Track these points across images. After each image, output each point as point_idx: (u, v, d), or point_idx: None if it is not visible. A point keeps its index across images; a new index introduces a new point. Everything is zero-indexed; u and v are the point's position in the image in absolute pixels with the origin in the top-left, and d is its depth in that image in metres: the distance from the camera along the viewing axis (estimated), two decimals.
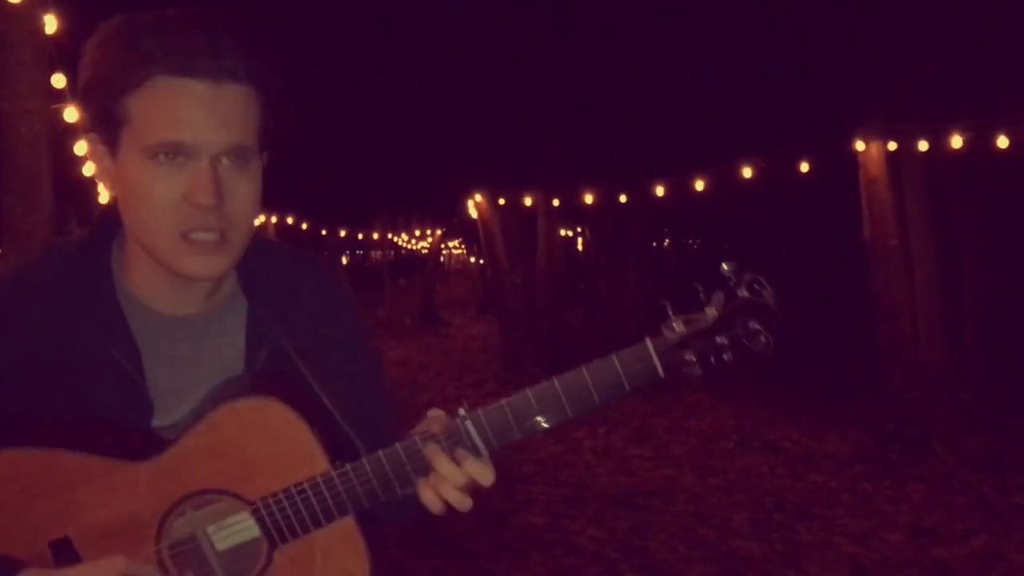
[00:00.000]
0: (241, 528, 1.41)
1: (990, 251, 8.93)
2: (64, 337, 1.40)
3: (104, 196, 7.81)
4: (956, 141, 7.69)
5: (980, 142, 7.59)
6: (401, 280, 32.82)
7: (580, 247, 24.88)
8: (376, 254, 39.39)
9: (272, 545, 1.41)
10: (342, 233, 22.91)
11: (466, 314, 22.64)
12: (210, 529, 1.40)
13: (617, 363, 1.36)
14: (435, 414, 1.44)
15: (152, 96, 1.32)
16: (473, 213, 15.53)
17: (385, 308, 22.07)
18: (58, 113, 5.48)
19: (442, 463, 1.39)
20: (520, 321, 13.51)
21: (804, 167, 9.06)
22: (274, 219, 17.77)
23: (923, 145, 8.04)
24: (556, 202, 13.65)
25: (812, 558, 5.48)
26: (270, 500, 1.39)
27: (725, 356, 1.37)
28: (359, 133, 15.79)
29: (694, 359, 1.36)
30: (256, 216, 1.45)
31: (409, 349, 16.39)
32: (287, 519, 1.40)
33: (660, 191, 10.93)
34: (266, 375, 1.47)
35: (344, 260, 31.00)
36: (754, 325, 1.35)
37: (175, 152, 1.33)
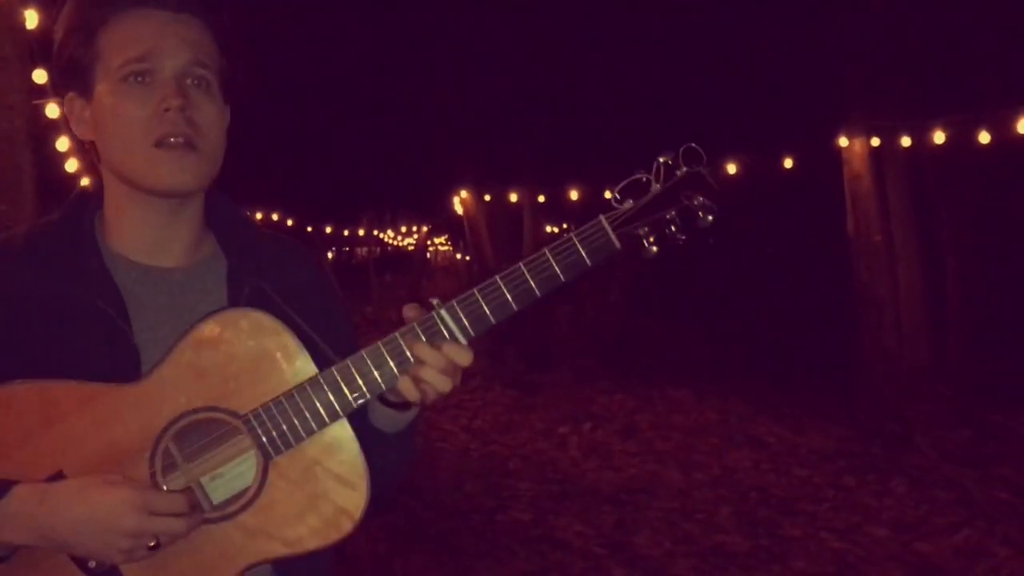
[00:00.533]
0: (233, 477, 1.42)
1: (972, 246, 8.98)
2: (51, 294, 1.46)
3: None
4: (938, 137, 7.73)
5: (962, 138, 7.63)
6: (387, 276, 32.76)
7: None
8: (362, 251, 39.31)
9: (267, 458, 1.41)
10: (328, 230, 22.87)
11: None
12: (204, 480, 1.41)
13: (576, 241, 1.43)
14: (412, 306, 1.48)
15: (117, 28, 1.45)
16: (459, 209, 15.53)
17: (371, 304, 22.04)
18: (39, 109, 5.45)
19: (421, 349, 1.42)
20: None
21: (788, 163, 9.09)
22: (259, 216, 17.74)
23: (906, 141, 8.08)
24: (542, 198, 13.65)
25: (796, 553, 5.50)
26: (260, 411, 1.41)
27: (675, 229, 1.45)
28: (345, 130, 15.76)
29: (647, 231, 1.45)
30: (223, 143, 1.53)
31: None
32: (279, 428, 1.40)
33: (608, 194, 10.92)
34: (247, 304, 1.51)
35: (330, 256, 30.94)
36: (697, 198, 1.45)
37: (142, 71, 1.44)
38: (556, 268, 1.43)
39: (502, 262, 14.96)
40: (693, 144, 1.44)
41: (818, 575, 5.18)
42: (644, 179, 1.45)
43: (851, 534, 5.77)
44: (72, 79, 1.50)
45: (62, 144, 5.96)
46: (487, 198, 14.59)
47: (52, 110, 5.43)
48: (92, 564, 1.38)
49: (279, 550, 1.42)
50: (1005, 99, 7.20)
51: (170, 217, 1.53)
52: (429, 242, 37.01)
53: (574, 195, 12.32)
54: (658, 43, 12.24)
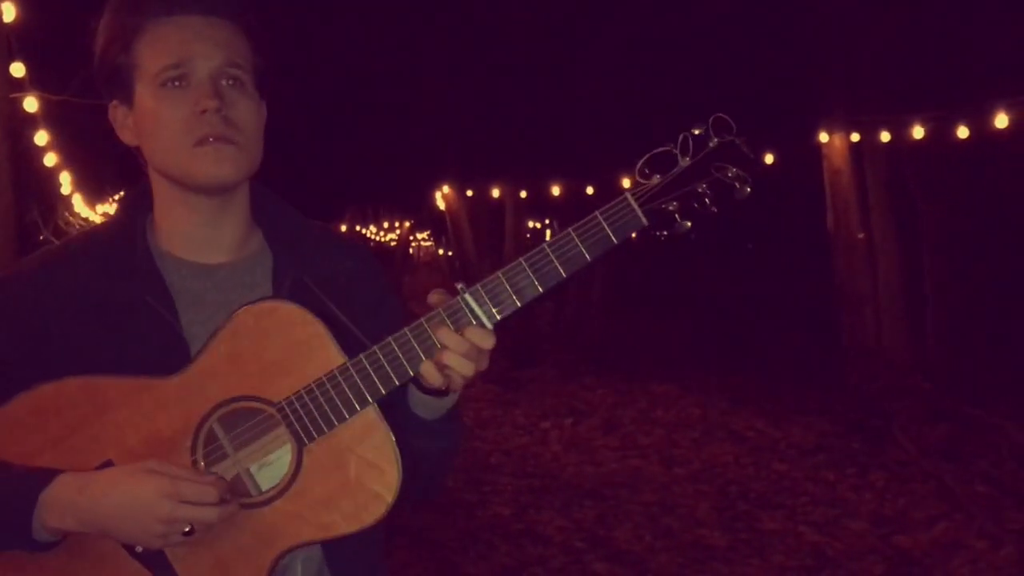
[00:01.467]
0: (282, 465, 1.46)
1: (951, 241, 9.04)
2: (105, 292, 1.52)
3: (66, 187, 7.74)
4: (917, 132, 7.77)
5: (941, 133, 7.68)
6: None
7: (548, 238, 24.94)
8: None
9: (300, 444, 1.45)
10: None
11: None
12: (253, 469, 1.46)
13: (602, 219, 1.41)
14: (437, 291, 1.49)
15: (152, 37, 1.50)
16: (441, 205, 15.52)
17: None
18: (17, 103, 5.41)
19: (445, 334, 1.43)
20: None
21: (769, 159, 9.13)
22: None
23: (885, 136, 8.13)
24: (524, 194, 13.66)
25: (776, 546, 5.53)
26: (293, 399, 1.44)
27: (707, 202, 1.41)
28: (327, 125, 15.72)
29: (676, 207, 1.41)
30: (261, 138, 1.58)
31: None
32: (310, 415, 1.44)
33: (627, 183, 10.96)
34: (288, 297, 1.54)
35: None
36: (730, 170, 1.39)
37: (179, 75, 1.49)
38: (581, 247, 1.41)
39: (484, 258, 14.96)
40: (722, 114, 1.40)
41: (797, 568, 5.21)
42: (673, 151, 1.40)
43: (830, 527, 5.81)
44: (114, 88, 1.55)
45: (40, 138, 5.92)
46: (469, 194, 14.59)
47: (30, 104, 5.40)
48: (139, 548, 1.44)
49: (315, 534, 1.46)
50: (983, 94, 7.25)
51: (216, 213, 1.58)
52: (412, 238, 36.95)
53: (556, 191, 12.33)
54: (640, 40, 12.26)
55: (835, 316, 9.01)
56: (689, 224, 1.42)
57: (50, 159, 6.39)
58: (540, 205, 15.75)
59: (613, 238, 1.41)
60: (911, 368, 8.62)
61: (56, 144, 6.18)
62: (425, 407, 1.55)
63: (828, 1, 8.76)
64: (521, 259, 1.42)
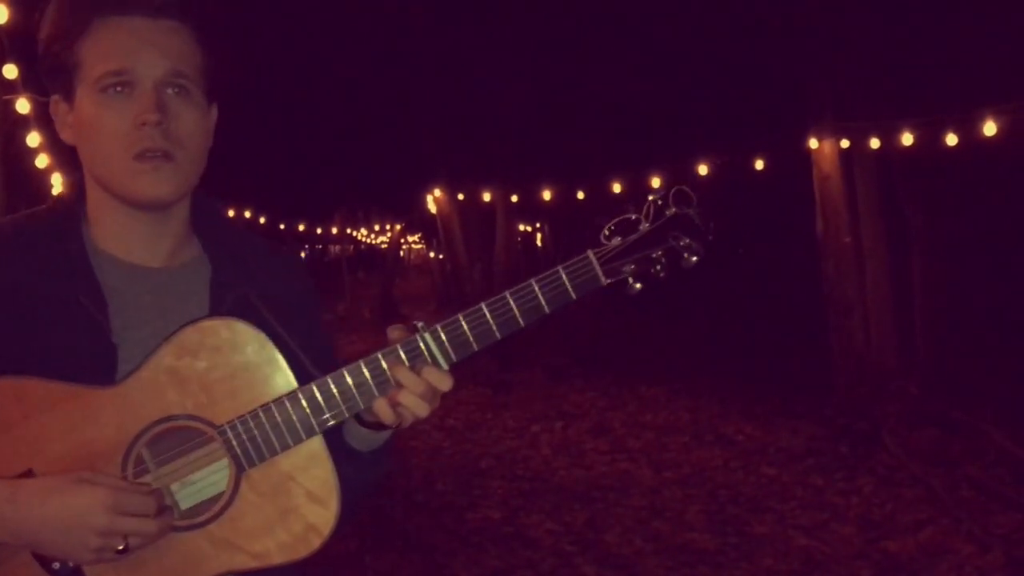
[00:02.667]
0: (204, 485, 1.41)
1: (940, 247, 9.07)
2: (34, 285, 1.46)
3: (57, 188, 7.73)
4: (907, 138, 7.81)
5: (930, 139, 7.72)
6: (360, 274, 32.69)
7: (539, 242, 24.95)
8: (335, 248, 39.20)
9: (239, 469, 1.41)
10: (301, 227, 22.78)
11: (426, 309, 22.59)
12: (174, 487, 1.41)
13: (563, 274, 1.45)
14: (395, 327, 1.48)
15: (97, 37, 1.44)
16: (432, 208, 15.53)
17: (344, 302, 22.00)
18: (9, 104, 5.41)
19: (402, 372, 1.42)
20: None
21: (759, 165, 9.16)
22: (232, 213, 17.64)
23: (875, 142, 8.16)
24: (515, 197, 13.67)
25: (764, 551, 5.56)
26: (237, 423, 1.40)
27: (659, 268, 1.48)
28: (319, 127, 15.72)
29: (632, 269, 1.47)
30: (204, 149, 1.53)
31: (367, 343, 16.32)
32: (254, 441, 1.40)
33: (617, 188, 10.99)
34: (230, 312, 1.50)
35: (303, 254, 30.81)
36: (683, 239, 1.47)
37: (121, 82, 1.43)
38: (541, 299, 1.44)
39: (475, 261, 14.98)
40: (684, 187, 1.47)
41: (786, 572, 5.24)
42: (634, 217, 1.47)
43: (818, 532, 5.83)
44: (56, 83, 1.50)
45: (32, 140, 5.92)
46: (461, 197, 14.60)
47: (22, 105, 5.40)
48: (56, 565, 1.37)
49: (246, 562, 1.42)
50: (972, 102, 7.29)
51: (152, 225, 1.53)
52: (403, 240, 36.93)
53: (547, 195, 12.35)
54: (631, 46, 12.30)
55: (824, 321, 9.04)
56: (639, 287, 1.48)
57: (42, 160, 6.38)
58: (531, 209, 15.77)
59: (572, 294, 1.45)
60: (899, 373, 8.65)
61: (48, 146, 6.17)
62: (361, 439, 1.54)
63: (818, 7, 8.79)
64: (483, 304, 1.44)
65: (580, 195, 12.06)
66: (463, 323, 1.44)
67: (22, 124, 5.70)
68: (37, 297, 1.45)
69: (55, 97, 1.52)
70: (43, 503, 1.32)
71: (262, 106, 14.06)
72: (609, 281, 1.46)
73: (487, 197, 14.02)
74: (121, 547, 1.33)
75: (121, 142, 1.44)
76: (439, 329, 1.44)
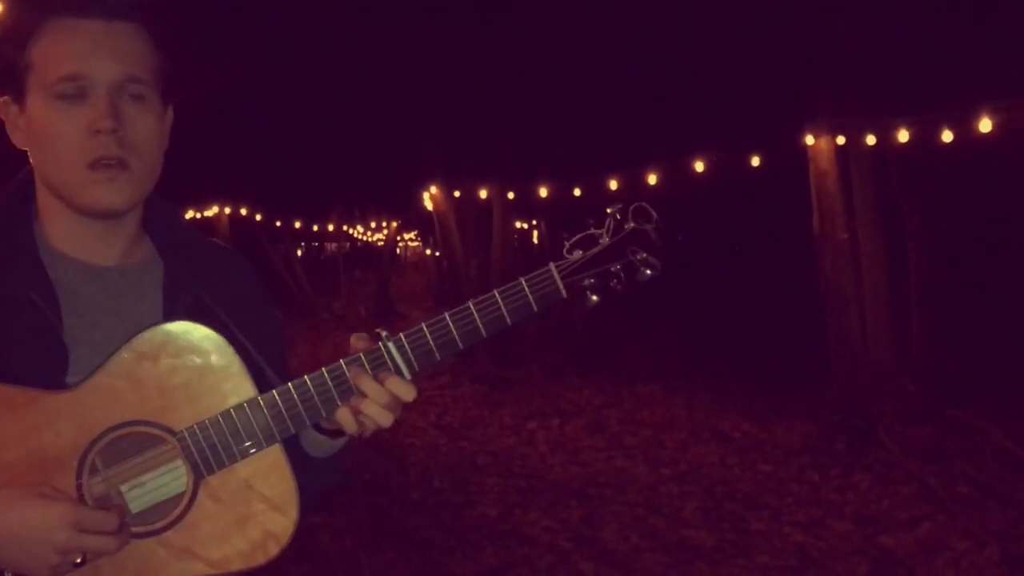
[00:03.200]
0: (155, 487, 1.39)
1: (936, 244, 9.09)
2: None
3: None
4: (903, 136, 7.81)
5: (926, 137, 7.72)
6: (356, 272, 32.66)
7: (536, 239, 24.94)
8: (331, 246, 39.17)
9: (198, 476, 1.39)
10: (297, 224, 22.76)
11: (422, 306, 22.59)
12: (124, 488, 1.38)
13: (525, 286, 1.46)
14: (358, 337, 1.47)
15: (49, 40, 1.42)
16: (429, 205, 15.50)
17: (340, 300, 21.98)
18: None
19: (365, 382, 1.42)
20: None
21: (755, 161, 9.17)
22: (228, 210, 17.63)
23: (871, 139, 8.16)
24: (511, 195, 13.66)
25: (761, 547, 5.56)
26: (196, 428, 1.39)
27: (617, 283, 1.50)
28: (314, 124, 15.69)
29: (592, 283, 1.49)
30: (160, 154, 1.51)
31: None
32: (213, 448, 1.39)
33: (613, 185, 11.00)
34: (187, 313, 1.48)
35: (299, 252, 30.80)
36: (640, 253, 1.49)
37: (74, 88, 1.40)
38: (504, 310, 1.46)
39: (471, 259, 14.96)
40: (644, 203, 1.50)
41: (782, 569, 5.24)
42: (595, 233, 1.50)
43: (815, 528, 5.84)
44: (6, 84, 1.46)
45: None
46: (457, 194, 14.58)
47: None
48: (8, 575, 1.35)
49: (203, 570, 1.40)
50: (968, 99, 7.29)
51: (104, 231, 1.51)
52: (399, 238, 36.91)
53: (543, 192, 12.35)
54: (626, 43, 12.28)
55: (820, 318, 9.05)
56: (596, 299, 1.51)
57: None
58: (528, 206, 15.77)
59: (534, 306, 1.47)
60: (896, 370, 8.66)
61: None
62: (318, 446, 1.53)
63: (814, 5, 8.79)
64: (446, 314, 1.45)
65: (577, 192, 12.06)
66: (426, 332, 1.44)
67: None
68: None
69: (4, 98, 1.48)
70: (2, 517, 1.29)
71: (259, 104, 14.05)
72: (569, 294, 1.49)
73: (484, 194, 14.00)
74: (79, 560, 1.32)
75: (74, 150, 1.41)
76: (402, 338, 1.44)
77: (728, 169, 9.58)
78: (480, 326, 1.45)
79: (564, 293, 1.48)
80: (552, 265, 1.48)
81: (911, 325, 9.11)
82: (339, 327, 17.85)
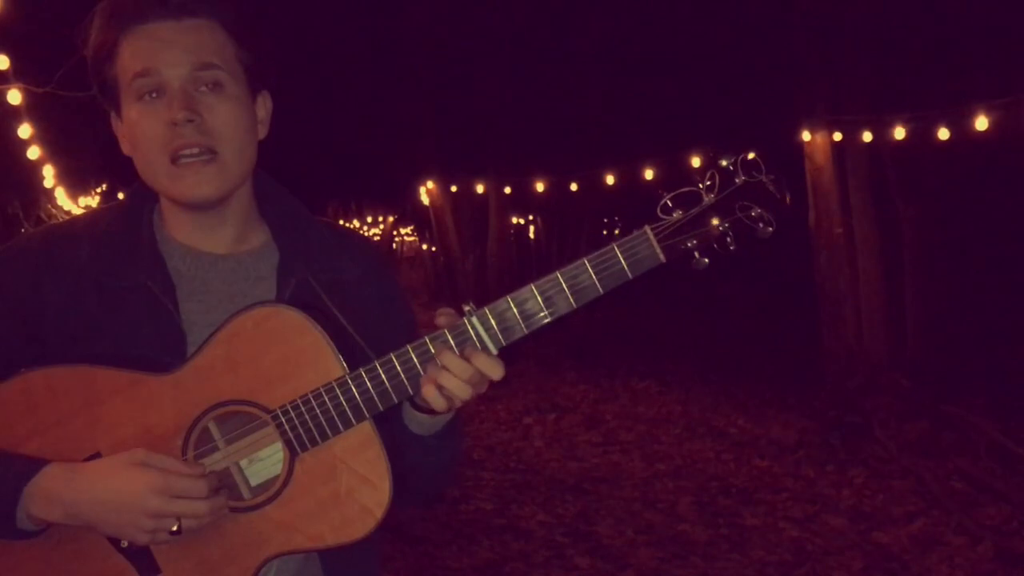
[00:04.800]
0: (272, 462, 1.44)
1: (930, 240, 9.11)
2: (106, 274, 1.50)
3: (48, 180, 7.71)
4: (899, 132, 7.82)
5: (922, 133, 7.73)
6: None
7: (532, 235, 24.94)
8: None
9: (293, 454, 1.43)
10: None
11: (418, 301, 22.59)
12: (243, 464, 1.45)
13: (618, 252, 1.36)
14: (444, 312, 1.46)
15: (127, 47, 1.46)
16: (425, 200, 15.51)
17: None
18: (1, 95, 5.39)
19: (450, 358, 1.40)
20: None
21: (751, 157, 9.15)
22: None
23: (867, 136, 8.17)
24: (508, 189, 13.67)
25: (756, 542, 5.58)
26: (288, 407, 1.42)
27: (728, 240, 1.37)
28: (310, 119, 15.68)
29: (695, 244, 1.36)
30: (250, 139, 1.53)
31: None
32: (305, 426, 1.42)
33: (610, 180, 11.00)
34: (287, 299, 1.52)
35: None
36: (754, 209, 1.36)
37: (148, 85, 1.44)
38: (594, 278, 1.37)
39: (468, 253, 14.96)
40: (753, 154, 1.36)
41: (777, 563, 5.26)
42: (695, 192, 1.36)
43: (809, 523, 5.86)
44: (107, 100, 1.53)
45: (24, 131, 5.90)
46: (453, 189, 14.59)
47: (14, 96, 5.38)
48: (124, 543, 1.42)
49: (303, 543, 1.46)
50: (964, 97, 7.30)
51: (212, 219, 1.55)
52: (395, 232, 36.89)
53: (540, 187, 12.35)
54: (624, 38, 12.29)
55: (816, 313, 9.07)
56: (707, 261, 1.37)
57: (33, 152, 6.36)
58: (524, 201, 15.76)
59: (628, 272, 1.36)
60: (890, 365, 8.68)
61: (40, 137, 6.15)
62: (419, 424, 1.53)
63: (812, 1, 8.80)
64: (532, 285, 1.38)
65: (573, 187, 12.07)
66: (511, 305, 1.39)
67: (14, 115, 5.68)
68: (108, 284, 1.49)
69: (112, 114, 1.54)
70: (98, 486, 1.37)
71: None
72: (668, 258, 1.36)
73: (480, 189, 14.01)
74: (175, 528, 1.37)
75: (158, 145, 1.45)
76: (487, 311, 1.40)
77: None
78: (569, 297, 1.37)
79: (662, 257, 1.35)
80: (648, 227, 1.36)
81: (906, 320, 9.13)
82: None
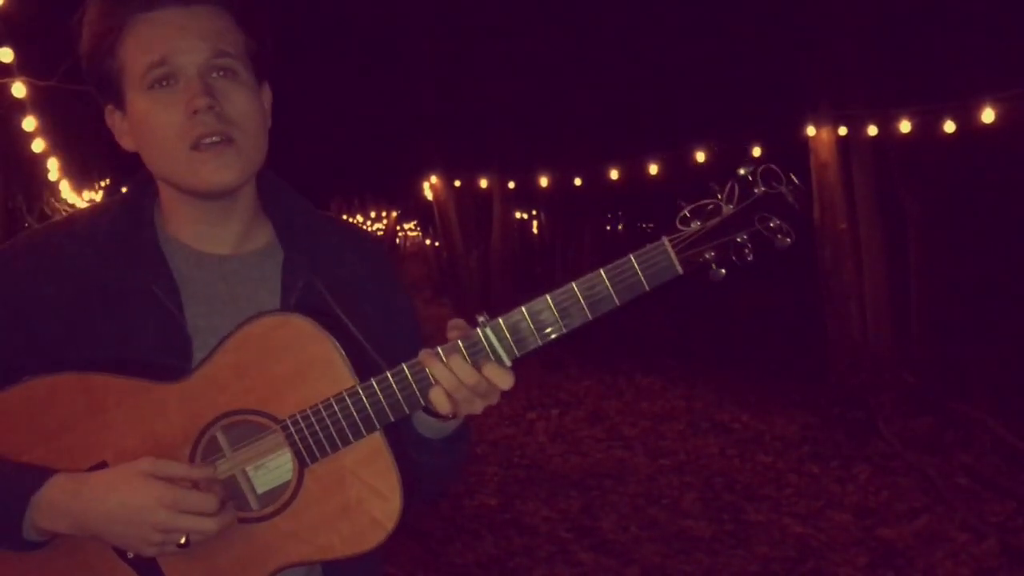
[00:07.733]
0: (277, 467, 1.43)
1: (936, 235, 9.08)
2: (108, 276, 1.47)
3: (53, 174, 7.70)
4: (904, 126, 7.80)
5: (928, 128, 7.71)
6: None
7: (535, 230, 24.93)
8: None
9: (302, 464, 1.42)
10: None
11: (421, 296, 22.58)
12: (249, 470, 1.43)
13: (635, 262, 1.34)
14: (455, 323, 1.44)
15: (134, 37, 1.42)
16: (429, 195, 15.50)
17: None
18: (5, 88, 5.38)
19: (460, 366, 1.38)
20: (475, 304, 13.52)
21: (756, 152, 9.15)
22: None
23: (872, 130, 8.15)
24: (511, 184, 13.66)
25: (760, 538, 5.57)
26: (298, 417, 1.40)
27: (747, 252, 1.35)
28: (314, 114, 15.67)
29: (713, 256, 1.34)
30: (263, 128, 1.50)
31: None
32: (315, 436, 1.40)
33: (614, 175, 10.99)
34: (294, 305, 1.50)
35: None
36: (773, 220, 1.34)
37: (163, 73, 1.41)
38: (611, 291, 1.35)
39: (471, 248, 14.96)
40: (773, 165, 1.35)
41: (781, 559, 5.25)
42: (714, 203, 1.34)
43: (814, 519, 5.85)
44: (106, 92, 1.48)
45: (28, 124, 5.89)
46: (457, 184, 14.58)
47: (18, 89, 5.37)
48: (130, 555, 1.40)
49: (312, 555, 1.44)
50: (970, 90, 7.27)
51: (220, 213, 1.52)
52: (399, 228, 36.91)
53: (544, 182, 12.33)
54: (627, 32, 12.26)
55: (820, 309, 9.05)
56: (724, 272, 1.35)
57: (38, 145, 6.35)
58: (528, 196, 15.75)
59: (645, 284, 1.35)
60: (895, 361, 8.66)
61: (44, 130, 6.14)
62: (429, 428, 1.51)
63: None
64: (547, 295, 1.36)
65: (577, 182, 12.05)
66: (526, 316, 1.37)
67: (18, 108, 5.67)
68: (110, 286, 1.46)
69: (109, 107, 1.50)
70: (105, 498, 1.35)
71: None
72: (686, 270, 1.34)
73: (484, 184, 14.00)
74: (183, 541, 1.36)
75: (176, 134, 1.41)
76: (500, 322, 1.38)
77: (729, 160, 9.56)
78: (585, 308, 1.35)
79: (680, 269, 1.34)
80: (665, 238, 1.33)
81: (911, 316, 9.11)
82: None
